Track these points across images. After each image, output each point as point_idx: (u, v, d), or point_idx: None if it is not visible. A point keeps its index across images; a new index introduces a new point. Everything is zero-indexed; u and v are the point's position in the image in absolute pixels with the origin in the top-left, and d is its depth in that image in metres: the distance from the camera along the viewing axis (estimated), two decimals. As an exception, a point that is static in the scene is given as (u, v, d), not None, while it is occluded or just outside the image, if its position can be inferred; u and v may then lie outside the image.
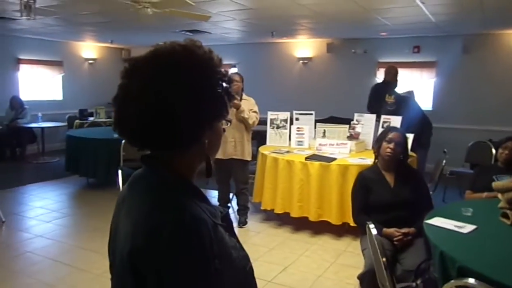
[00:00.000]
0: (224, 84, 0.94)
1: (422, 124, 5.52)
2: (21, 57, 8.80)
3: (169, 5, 4.28)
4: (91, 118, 9.09)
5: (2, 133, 8.07)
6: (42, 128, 8.26)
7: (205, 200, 0.93)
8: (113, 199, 1.04)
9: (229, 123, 1.00)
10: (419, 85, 7.68)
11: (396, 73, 6.11)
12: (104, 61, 10.55)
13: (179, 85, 0.85)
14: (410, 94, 6.03)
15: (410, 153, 4.54)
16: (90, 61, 10.30)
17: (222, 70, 0.94)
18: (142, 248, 0.81)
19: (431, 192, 4.36)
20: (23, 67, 8.86)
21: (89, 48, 10.27)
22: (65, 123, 8.94)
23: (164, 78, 0.85)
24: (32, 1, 5.02)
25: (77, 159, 6.27)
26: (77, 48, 10.04)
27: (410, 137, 4.46)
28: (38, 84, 9.32)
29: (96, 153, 6.04)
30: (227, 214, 0.98)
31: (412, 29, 6.81)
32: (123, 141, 5.50)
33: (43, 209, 5.28)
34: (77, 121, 8.92)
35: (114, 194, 2.07)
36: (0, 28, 7.44)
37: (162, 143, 0.89)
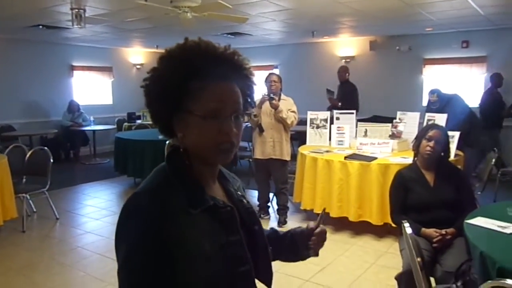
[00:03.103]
0: (198, 79, 0.92)
1: (470, 123, 5.30)
2: (74, 63, 9.32)
3: (207, 8, 4.38)
4: (138, 121, 9.46)
5: (57, 136, 8.59)
6: (94, 131, 8.70)
7: (192, 188, 0.93)
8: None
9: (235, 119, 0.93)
10: (469, 81, 7.36)
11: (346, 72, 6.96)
12: (151, 65, 9.94)
13: (150, 75, 0.99)
14: None
15: (456, 151, 4.38)
16: (138, 66, 10.73)
17: (197, 64, 0.92)
18: None
19: (478, 193, 4.20)
20: (76, 73, 9.38)
21: (136, 54, 10.70)
22: (115, 126, 9.38)
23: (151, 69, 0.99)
24: (82, 10, 5.34)
25: (125, 160, 6.53)
26: (125, 54, 10.49)
27: (456, 135, 4.30)
28: (90, 89, 9.82)
29: (143, 154, 6.25)
30: (231, 210, 0.97)
31: (460, 23, 6.54)
32: (167, 142, 5.70)
33: (94, 207, 5.57)
34: (125, 123, 9.34)
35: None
36: (55, 37, 7.95)
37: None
